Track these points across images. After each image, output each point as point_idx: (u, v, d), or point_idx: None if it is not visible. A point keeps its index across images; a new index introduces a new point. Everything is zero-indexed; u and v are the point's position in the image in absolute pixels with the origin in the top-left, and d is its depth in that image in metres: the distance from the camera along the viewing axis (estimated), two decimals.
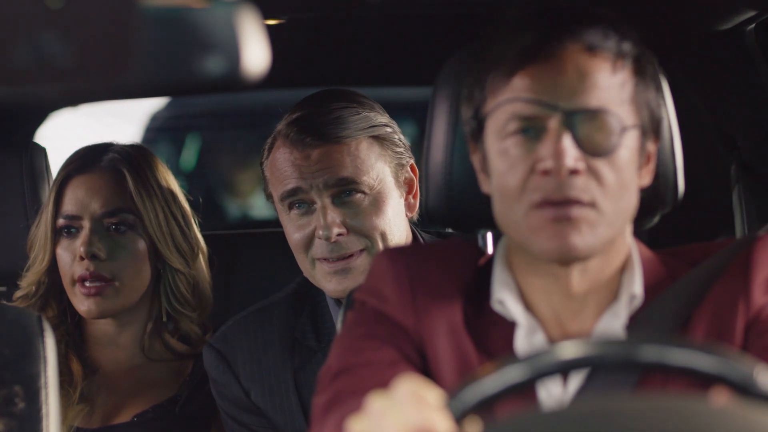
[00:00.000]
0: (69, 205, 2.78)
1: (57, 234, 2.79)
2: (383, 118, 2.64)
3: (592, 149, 1.79)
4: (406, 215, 2.64)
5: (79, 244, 2.75)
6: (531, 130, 1.81)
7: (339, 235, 2.56)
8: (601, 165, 1.79)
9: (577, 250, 1.79)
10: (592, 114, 1.80)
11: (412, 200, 2.65)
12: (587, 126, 1.80)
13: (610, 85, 1.81)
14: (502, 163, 1.82)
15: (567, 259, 1.81)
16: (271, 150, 2.63)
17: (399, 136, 2.64)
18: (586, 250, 1.80)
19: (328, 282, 2.59)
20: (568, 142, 1.78)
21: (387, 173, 2.60)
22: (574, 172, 1.78)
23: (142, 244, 2.79)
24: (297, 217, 2.60)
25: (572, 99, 1.80)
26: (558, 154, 1.77)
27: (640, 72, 1.84)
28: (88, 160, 2.82)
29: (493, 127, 1.84)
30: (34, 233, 2.83)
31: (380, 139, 2.60)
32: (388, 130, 2.62)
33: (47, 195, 2.85)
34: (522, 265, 1.88)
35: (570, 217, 1.78)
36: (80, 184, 2.79)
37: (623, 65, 1.83)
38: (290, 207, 2.60)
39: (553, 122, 1.79)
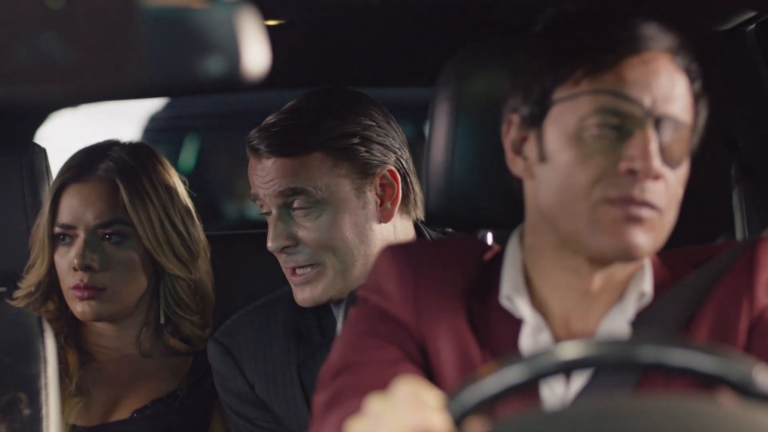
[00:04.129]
0: (64, 215, 2.78)
1: (54, 240, 2.79)
2: (354, 126, 2.60)
3: (670, 158, 1.80)
4: (380, 222, 2.62)
5: (73, 256, 2.75)
6: (616, 125, 1.79)
7: (286, 246, 2.60)
8: (671, 174, 1.81)
9: (639, 251, 1.79)
10: (677, 124, 1.81)
11: (389, 206, 2.63)
12: (671, 135, 1.80)
13: (686, 99, 1.83)
14: (572, 151, 1.80)
15: (626, 258, 1.81)
16: None
17: (368, 147, 2.60)
18: (646, 252, 1.81)
19: (294, 293, 2.64)
20: (655, 146, 1.78)
21: (343, 186, 2.59)
22: (657, 176, 1.78)
23: (136, 254, 2.78)
24: (268, 222, 2.65)
25: (665, 104, 1.80)
26: (647, 156, 1.77)
27: (700, 97, 1.86)
28: (84, 168, 2.80)
29: (567, 114, 1.81)
30: (34, 234, 2.83)
31: (336, 151, 2.58)
32: (352, 141, 2.59)
33: (45, 199, 2.84)
34: (541, 261, 1.87)
35: (641, 218, 1.78)
36: (75, 193, 2.78)
37: (693, 84, 1.85)
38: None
39: (645, 123, 1.79)
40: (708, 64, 2.93)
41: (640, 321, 1.85)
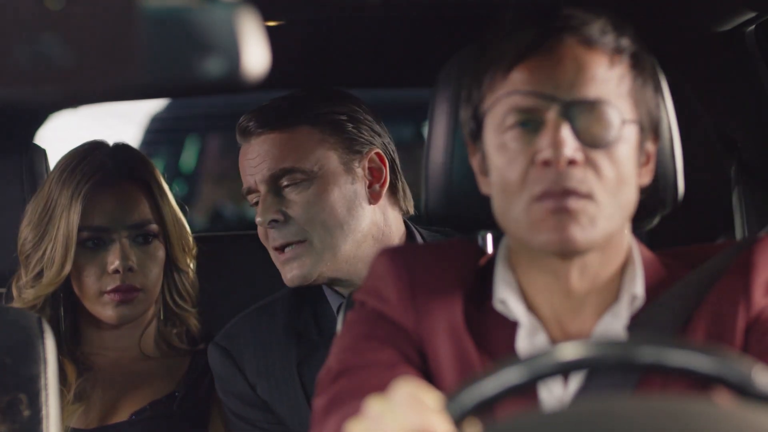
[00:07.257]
0: (98, 218, 2.77)
1: (77, 246, 2.77)
2: (341, 107, 2.66)
3: (591, 140, 1.79)
4: (370, 203, 2.65)
5: (112, 258, 2.75)
6: (530, 122, 1.81)
7: (274, 221, 2.62)
8: (600, 157, 1.79)
9: (577, 243, 1.79)
10: (590, 105, 1.80)
11: (377, 188, 2.67)
12: (586, 117, 1.80)
13: (608, 78, 1.81)
14: (501, 157, 1.82)
15: (566, 251, 1.80)
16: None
17: (355, 124, 2.66)
18: (586, 243, 1.79)
19: (282, 272, 2.65)
20: (566, 133, 1.78)
21: (331, 159, 2.63)
22: (572, 162, 1.78)
23: (163, 252, 2.82)
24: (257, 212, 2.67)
25: (570, 90, 1.80)
26: (556, 144, 1.77)
27: (637, 68, 1.85)
28: (107, 171, 2.80)
29: (491, 122, 1.84)
30: (35, 244, 2.79)
31: (323, 125, 2.63)
32: (340, 117, 2.65)
33: (58, 206, 2.79)
34: (523, 264, 1.88)
35: (568, 209, 1.77)
36: (109, 196, 2.78)
37: (621, 60, 1.83)
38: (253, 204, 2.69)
39: (552, 113, 1.79)
40: (708, 66, 2.94)
41: (636, 323, 1.85)
